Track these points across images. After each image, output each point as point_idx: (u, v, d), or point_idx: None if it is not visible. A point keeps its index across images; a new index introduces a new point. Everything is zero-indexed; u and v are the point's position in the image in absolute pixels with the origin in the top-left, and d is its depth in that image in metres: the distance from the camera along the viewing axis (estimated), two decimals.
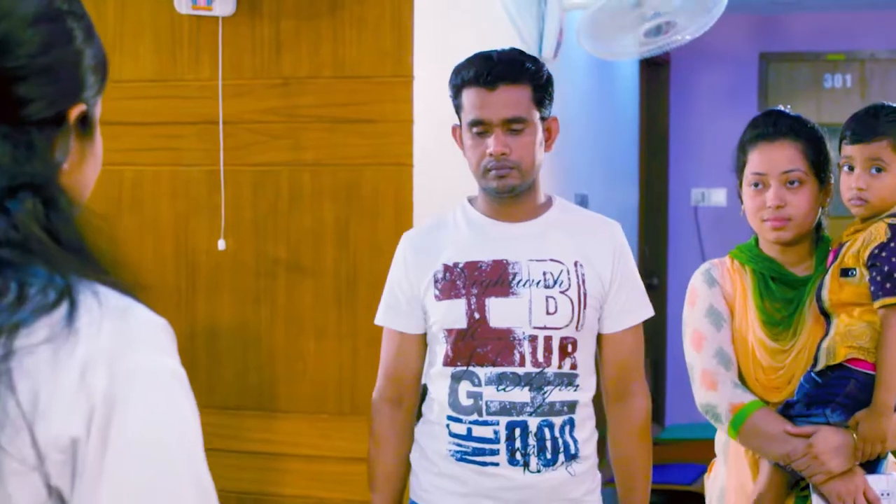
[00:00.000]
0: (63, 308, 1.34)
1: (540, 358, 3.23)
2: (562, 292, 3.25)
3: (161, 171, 4.56)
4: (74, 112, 1.47)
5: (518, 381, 3.22)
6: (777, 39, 9.52)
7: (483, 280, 3.26)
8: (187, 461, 1.40)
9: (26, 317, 1.31)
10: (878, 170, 3.20)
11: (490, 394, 3.23)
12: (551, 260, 3.27)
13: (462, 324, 3.26)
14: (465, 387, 3.26)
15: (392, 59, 4.30)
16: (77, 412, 1.31)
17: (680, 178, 9.54)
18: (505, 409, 3.23)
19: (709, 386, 3.31)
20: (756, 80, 9.59)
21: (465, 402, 3.26)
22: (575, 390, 3.27)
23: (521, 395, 3.22)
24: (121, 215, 4.60)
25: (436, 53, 4.46)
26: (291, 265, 4.43)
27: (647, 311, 3.40)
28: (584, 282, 3.27)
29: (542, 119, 3.28)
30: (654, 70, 9.24)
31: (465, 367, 3.26)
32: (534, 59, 3.31)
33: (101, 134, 1.56)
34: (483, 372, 3.24)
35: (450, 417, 3.30)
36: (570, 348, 3.26)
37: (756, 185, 3.30)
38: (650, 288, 8.33)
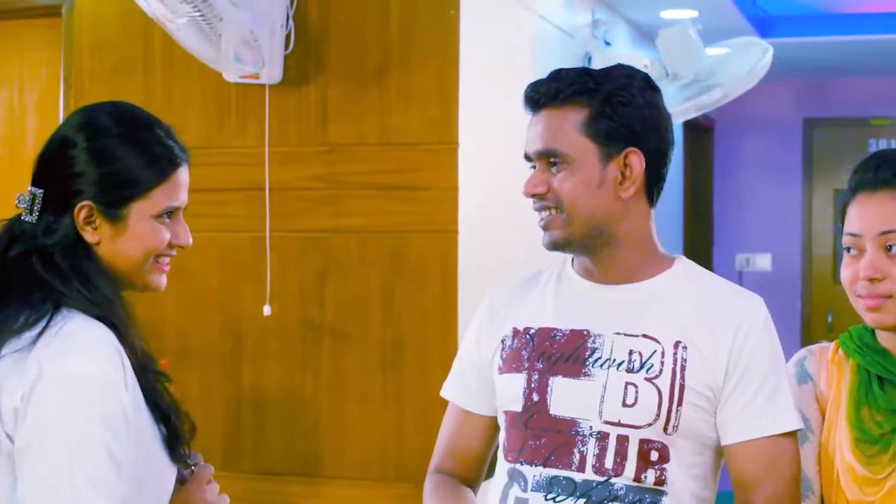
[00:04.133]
0: (38, 329, 2.11)
1: (607, 463, 2.40)
2: (648, 379, 2.41)
3: (207, 238, 4.58)
4: (77, 210, 2.20)
5: (572, 489, 2.41)
6: (821, 105, 9.53)
7: (553, 353, 2.48)
8: (78, 426, 2.06)
9: (10, 335, 2.13)
10: None
11: (537, 503, 2.45)
12: (644, 336, 2.44)
13: (517, 405, 2.49)
14: (514, 491, 2.48)
15: (438, 126, 4.32)
16: (18, 392, 2.08)
17: (724, 243, 9.52)
18: None
19: None
20: (800, 146, 9.59)
21: None
22: None
23: None
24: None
25: (481, 121, 4.48)
26: (337, 331, 4.44)
27: (784, 422, 2.43)
28: (683, 369, 2.41)
29: (609, 154, 2.44)
30: (699, 136, 9.24)
31: (513, 464, 2.50)
32: (607, 76, 2.48)
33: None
34: (532, 473, 2.45)
35: None
36: (654, 456, 2.40)
37: (849, 249, 2.46)
38: None
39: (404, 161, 4.35)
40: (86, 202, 2.21)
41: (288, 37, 4.40)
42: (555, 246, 2.49)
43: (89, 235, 2.22)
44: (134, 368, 2.17)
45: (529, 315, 2.56)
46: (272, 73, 4.38)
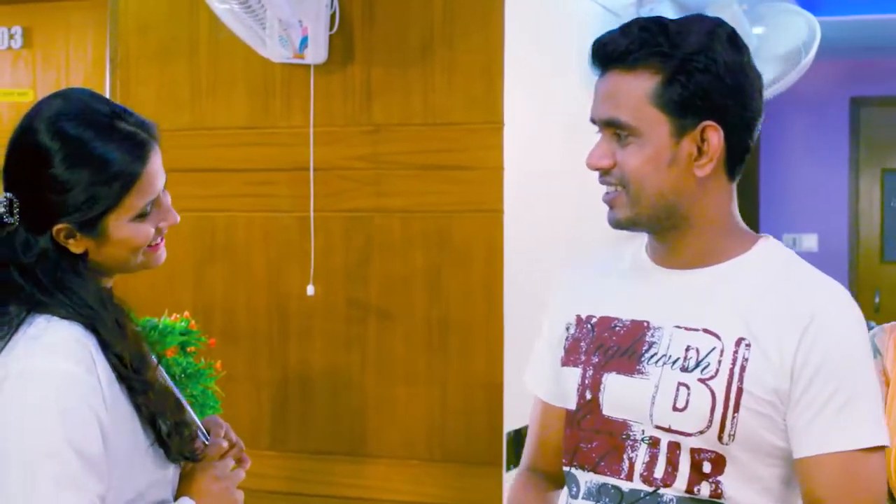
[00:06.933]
0: (10, 335, 2.10)
1: (656, 473, 2.15)
2: (702, 381, 2.12)
3: (253, 218, 4.60)
4: (56, 230, 2.16)
5: (619, 499, 2.18)
6: (868, 83, 9.48)
7: (611, 346, 2.24)
8: (36, 425, 2.03)
9: None
10: None
11: None
12: (704, 330, 2.15)
13: (572, 403, 2.28)
14: (568, 498, 2.31)
15: (482, 105, 4.31)
16: None
17: (771, 223, 9.47)
18: None
19: None
20: (847, 125, 9.53)
21: None
22: None
23: None
24: (213, 261, 4.64)
25: (526, 100, 4.46)
26: (382, 311, 4.44)
27: (860, 437, 2.09)
28: (742, 370, 2.11)
29: (683, 128, 2.16)
30: None
31: (568, 468, 2.29)
32: (685, 35, 2.15)
33: (171, 189, 2.29)
34: (583, 479, 2.24)
35: None
36: (707, 467, 2.12)
37: None
38: None
39: (449, 140, 4.35)
40: (63, 225, 2.17)
41: (332, 17, 4.40)
42: (618, 225, 2.22)
43: (73, 247, 2.20)
44: (119, 374, 2.13)
45: (594, 301, 2.31)
46: (317, 53, 4.38)
